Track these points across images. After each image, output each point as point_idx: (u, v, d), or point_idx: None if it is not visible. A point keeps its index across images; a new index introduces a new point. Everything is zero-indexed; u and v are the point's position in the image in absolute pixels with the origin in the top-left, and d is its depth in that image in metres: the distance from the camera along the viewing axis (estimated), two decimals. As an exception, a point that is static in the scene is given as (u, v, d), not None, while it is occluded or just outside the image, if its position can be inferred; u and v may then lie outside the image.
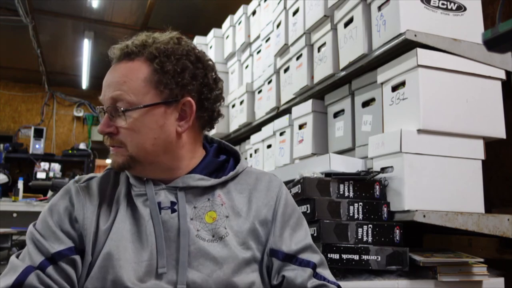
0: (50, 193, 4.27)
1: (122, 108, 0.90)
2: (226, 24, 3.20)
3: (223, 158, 1.03)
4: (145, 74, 0.91)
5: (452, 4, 1.52)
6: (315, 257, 0.96)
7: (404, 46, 1.47)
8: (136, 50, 0.93)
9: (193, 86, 0.94)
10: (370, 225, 1.34)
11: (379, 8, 1.57)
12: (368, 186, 1.41)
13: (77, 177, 1.00)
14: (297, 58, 2.14)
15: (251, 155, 2.66)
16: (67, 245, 0.88)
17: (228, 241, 0.90)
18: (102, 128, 0.92)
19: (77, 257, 0.87)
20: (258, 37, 2.72)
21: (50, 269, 0.84)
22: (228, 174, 0.98)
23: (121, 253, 0.86)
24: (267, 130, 2.44)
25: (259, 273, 0.93)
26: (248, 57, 2.87)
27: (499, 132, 1.52)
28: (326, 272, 0.97)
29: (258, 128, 2.61)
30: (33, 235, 0.89)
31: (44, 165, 5.06)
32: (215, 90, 0.99)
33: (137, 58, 0.93)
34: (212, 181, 0.95)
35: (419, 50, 1.41)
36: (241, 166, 1.01)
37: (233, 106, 2.96)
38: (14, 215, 4.08)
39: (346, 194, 1.40)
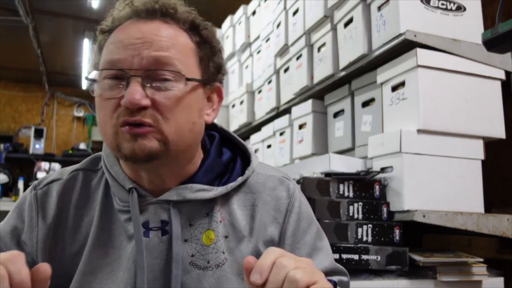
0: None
1: (177, 74, 0.69)
2: (226, 24, 3.20)
3: (227, 157, 0.82)
4: (191, 44, 0.74)
5: (452, 4, 1.52)
6: (336, 277, 0.79)
7: (404, 46, 1.47)
8: (172, 12, 0.73)
9: (223, 72, 0.81)
10: (370, 225, 1.34)
11: (379, 8, 1.58)
12: (368, 186, 1.41)
13: (38, 180, 0.81)
14: (297, 58, 2.14)
15: (251, 155, 2.66)
16: None
17: (225, 269, 0.73)
18: (137, 99, 0.66)
19: None
20: (258, 37, 2.72)
21: None
22: (236, 181, 0.78)
23: None
24: (267, 130, 2.44)
25: None
26: (248, 57, 2.87)
27: (499, 132, 1.52)
28: None
29: (258, 128, 2.61)
30: None
31: (44, 165, 5.06)
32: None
33: (172, 23, 0.73)
34: (214, 192, 0.75)
35: (419, 50, 1.41)
36: (251, 169, 0.80)
37: (233, 106, 2.96)
38: (14, 215, 4.07)
39: (346, 194, 1.40)
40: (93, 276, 0.72)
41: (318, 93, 2.01)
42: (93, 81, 0.72)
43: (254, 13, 2.81)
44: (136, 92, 0.66)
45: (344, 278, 0.82)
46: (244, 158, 0.84)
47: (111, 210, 0.76)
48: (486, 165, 1.50)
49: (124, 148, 0.68)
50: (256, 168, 0.82)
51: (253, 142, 2.61)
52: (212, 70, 0.77)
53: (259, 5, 2.74)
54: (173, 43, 0.71)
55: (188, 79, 0.70)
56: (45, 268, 0.54)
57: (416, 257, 1.33)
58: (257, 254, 0.73)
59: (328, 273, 0.78)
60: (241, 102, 2.83)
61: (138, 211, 0.72)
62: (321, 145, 1.96)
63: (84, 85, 5.73)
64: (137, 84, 0.67)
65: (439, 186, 1.40)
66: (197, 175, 0.77)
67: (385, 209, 1.39)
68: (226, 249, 0.75)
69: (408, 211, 1.34)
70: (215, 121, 0.85)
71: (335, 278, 0.78)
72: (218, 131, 0.87)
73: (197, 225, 0.75)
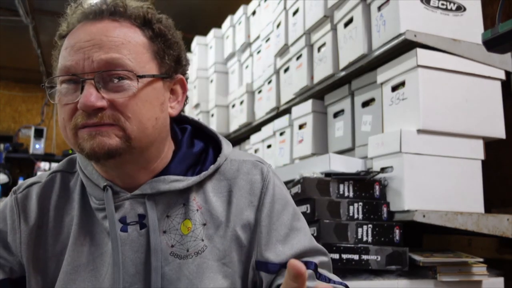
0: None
1: (130, 73, 0.70)
2: (226, 24, 3.20)
3: (199, 148, 0.83)
4: (143, 40, 0.74)
5: (452, 4, 1.52)
6: (316, 258, 0.79)
7: (404, 46, 1.47)
8: (121, 10, 0.73)
9: (184, 63, 0.80)
10: (370, 225, 1.34)
11: (379, 8, 1.58)
12: (368, 186, 1.41)
13: (18, 184, 0.82)
14: (297, 58, 2.14)
15: (251, 155, 2.66)
16: None
17: (205, 256, 0.74)
18: (92, 101, 0.67)
19: None
20: (258, 37, 2.72)
21: None
22: (208, 169, 0.79)
23: None
24: (267, 130, 2.44)
25: None
26: (248, 57, 2.87)
27: (499, 132, 1.52)
28: (330, 275, 0.80)
29: (258, 128, 2.61)
30: None
31: (44, 165, 5.06)
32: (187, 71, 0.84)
33: (124, 20, 0.73)
34: (187, 181, 0.76)
35: (419, 50, 1.41)
36: (223, 156, 0.81)
37: (233, 106, 2.96)
38: (14, 215, 4.07)
39: (346, 194, 1.40)
40: (77, 274, 0.73)
41: (318, 93, 2.01)
42: (51, 87, 0.73)
43: (254, 13, 2.81)
44: (90, 95, 0.67)
45: (325, 258, 0.82)
46: (217, 148, 0.84)
47: (89, 209, 0.77)
48: (486, 165, 1.50)
49: (85, 147, 0.69)
50: (230, 155, 0.83)
51: (253, 142, 2.61)
52: (169, 62, 0.77)
53: (259, 5, 2.74)
54: (122, 42, 0.71)
55: (139, 77, 0.71)
56: None
57: (416, 257, 1.33)
58: (236, 239, 0.77)
59: (307, 253, 0.79)
60: (241, 102, 2.83)
61: (113, 207, 0.73)
62: (321, 145, 1.96)
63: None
64: (91, 86, 0.68)
65: (439, 186, 1.40)
66: (169, 167, 0.78)
67: (385, 209, 1.39)
68: (205, 236, 0.76)
69: (408, 211, 1.34)
70: (188, 113, 0.86)
71: (316, 260, 0.79)
72: (190, 124, 0.87)
73: (174, 216, 0.76)
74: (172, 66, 0.77)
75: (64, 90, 0.71)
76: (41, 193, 0.79)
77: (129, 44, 0.71)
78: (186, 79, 0.82)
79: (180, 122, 0.86)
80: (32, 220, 0.77)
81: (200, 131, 0.87)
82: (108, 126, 0.69)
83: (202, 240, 0.75)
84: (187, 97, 0.83)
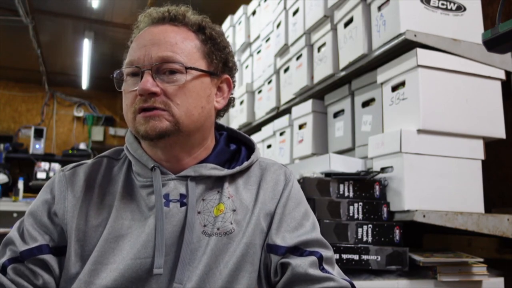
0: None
1: (180, 66, 0.83)
2: (226, 24, 3.20)
3: (234, 148, 0.97)
4: (196, 42, 0.88)
5: (452, 4, 1.52)
6: (323, 251, 0.87)
7: (404, 46, 1.47)
8: (180, 18, 0.88)
9: (230, 65, 0.94)
10: (370, 225, 1.34)
11: (379, 8, 1.58)
12: (368, 186, 1.41)
13: (65, 166, 0.92)
14: (297, 58, 2.14)
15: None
16: (39, 242, 0.82)
17: (233, 237, 0.84)
18: (148, 87, 0.80)
19: (48, 256, 0.82)
20: (258, 37, 2.72)
21: (10, 269, 0.80)
22: (242, 165, 0.91)
23: (116, 256, 0.80)
24: (267, 130, 2.44)
25: (258, 273, 0.86)
26: (248, 57, 2.87)
27: (499, 132, 1.52)
28: (334, 272, 0.87)
29: (258, 128, 2.61)
30: (9, 234, 0.85)
31: (44, 165, 5.06)
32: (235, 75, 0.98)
33: (182, 26, 0.88)
34: (225, 171, 0.89)
35: (419, 50, 1.41)
36: (255, 156, 0.95)
37: (233, 106, 2.96)
38: (15, 215, 4.08)
39: (346, 194, 1.40)
40: (115, 243, 0.82)
41: (318, 93, 2.01)
42: (119, 79, 0.88)
43: (254, 13, 2.81)
44: (147, 82, 0.81)
45: (329, 253, 0.89)
46: (248, 150, 0.98)
47: (132, 188, 0.88)
48: (487, 165, 1.50)
49: (140, 130, 0.82)
50: (260, 158, 0.97)
51: (253, 142, 2.61)
52: (217, 63, 0.90)
53: (259, 5, 2.74)
54: (176, 42, 0.85)
55: (188, 68, 0.84)
56: None
57: (416, 257, 1.33)
58: (259, 225, 0.87)
59: (314, 244, 0.87)
60: (241, 102, 2.83)
61: (161, 183, 0.85)
62: (321, 145, 1.96)
63: (84, 85, 5.73)
64: (148, 75, 0.82)
65: (439, 186, 1.40)
66: (209, 158, 0.91)
67: (385, 209, 1.39)
68: (234, 220, 0.86)
69: (408, 211, 1.34)
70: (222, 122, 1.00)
71: (321, 252, 0.86)
72: (227, 131, 1.02)
73: (209, 200, 0.87)
74: (219, 66, 0.91)
75: (129, 81, 0.85)
76: (88, 172, 0.90)
77: (182, 44, 0.86)
78: (233, 81, 0.96)
79: (219, 129, 1.01)
80: (78, 193, 0.86)
81: (234, 138, 1.01)
82: (160, 111, 0.82)
83: (231, 223, 0.85)
84: (233, 99, 0.98)
